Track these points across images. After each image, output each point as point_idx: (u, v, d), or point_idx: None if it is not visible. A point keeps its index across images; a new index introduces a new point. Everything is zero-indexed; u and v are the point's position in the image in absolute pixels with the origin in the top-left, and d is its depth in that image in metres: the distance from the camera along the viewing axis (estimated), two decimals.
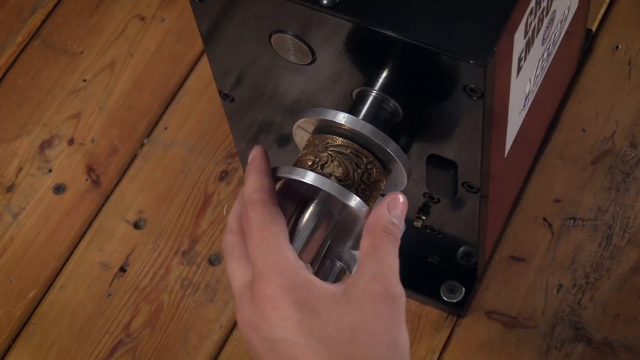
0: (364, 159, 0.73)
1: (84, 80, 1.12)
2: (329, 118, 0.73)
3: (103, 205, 1.05)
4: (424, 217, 0.87)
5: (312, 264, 0.72)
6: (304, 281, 0.64)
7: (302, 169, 0.71)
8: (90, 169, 1.07)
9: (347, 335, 0.63)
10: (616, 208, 0.99)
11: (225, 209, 1.03)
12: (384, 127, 0.75)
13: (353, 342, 0.63)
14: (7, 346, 0.98)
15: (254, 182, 0.68)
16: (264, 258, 0.65)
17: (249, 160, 0.70)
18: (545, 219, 1.00)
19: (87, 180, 1.06)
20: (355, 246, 0.76)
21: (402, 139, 0.78)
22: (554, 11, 0.82)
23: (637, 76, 1.06)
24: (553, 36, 0.85)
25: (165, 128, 1.09)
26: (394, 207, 0.68)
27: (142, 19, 1.15)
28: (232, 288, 0.68)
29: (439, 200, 0.86)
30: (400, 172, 0.75)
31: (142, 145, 1.08)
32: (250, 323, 0.65)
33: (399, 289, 0.65)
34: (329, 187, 0.70)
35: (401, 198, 0.68)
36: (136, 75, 1.12)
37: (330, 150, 0.73)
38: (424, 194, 0.86)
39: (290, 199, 0.72)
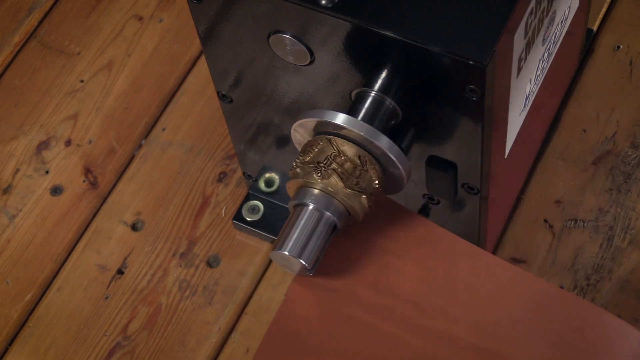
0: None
1: (82, 81, 1.12)
2: (328, 119, 0.73)
3: (100, 206, 1.04)
4: None
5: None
6: None
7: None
8: (87, 170, 1.06)
9: None
10: (617, 209, 0.99)
11: (223, 211, 1.03)
12: (383, 128, 0.74)
13: None
14: (3, 349, 0.98)
15: None
16: None
17: None
18: (546, 220, 0.99)
19: (84, 181, 1.06)
20: None
21: (401, 140, 0.78)
22: (554, 11, 0.82)
23: (638, 76, 1.06)
24: (553, 36, 0.85)
25: (163, 129, 1.08)
26: None
27: (140, 19, 1.15)
28: None
29: (438, 202, 0.85)
30: (400, 174, 0.75)
31: (140, 146, 1.07)
32: None
33: None
34: None
35: None
36: (134, 75, 1.12)
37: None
38: (423, 195, 0.85)
39: None
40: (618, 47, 1.08)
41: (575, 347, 0.72)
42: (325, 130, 0.74)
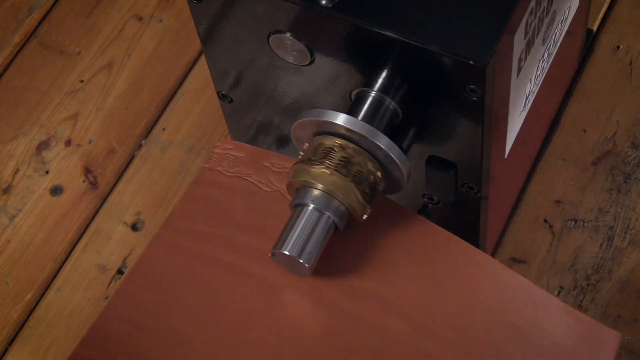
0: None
1: (82, 81, 1.11)
2: (328, 119, 0.73)
3: (100, 206, 1.04)
4: None
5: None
6: None
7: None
8: (87, 171, 1.06)
9: None
10: (617, 209, 0.99)
11: None
12: (383, 128, 0.74)
13: None
14: (3, 349, 0.98)
15: None
16: None
17: None
18: (546, 220, 0.99)
19: (84, 181, 1.06)
20: None
21: (401, 140, 0.77)
22: (555, 11, 0.82)
23: (638, 76, 1.05)
24: (553, 36, 0.85)
25: (163, 129, 1.08)
26: None
27: (140, 19, 1.15)
28: None
29: (439, 202, 0.85)
30: (400, 174, 0.75)
31: (140, 146, 1.07)
32: None
33: None
34: None
35: None
36: (134, 76, 1.11)
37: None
38: (423, 195, 0.85)
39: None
40: (618, 47, 1.08)
41: (449, 287, 0.74)
42: (325, 131, 0.74)
